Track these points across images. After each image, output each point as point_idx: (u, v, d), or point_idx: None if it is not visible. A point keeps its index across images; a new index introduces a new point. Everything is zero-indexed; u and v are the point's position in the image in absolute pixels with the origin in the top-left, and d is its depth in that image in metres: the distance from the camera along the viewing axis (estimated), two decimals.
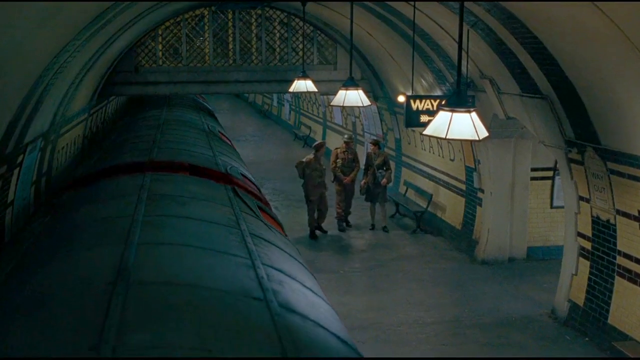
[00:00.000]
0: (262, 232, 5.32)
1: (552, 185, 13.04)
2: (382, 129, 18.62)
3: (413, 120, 11.18)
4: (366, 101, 10.80)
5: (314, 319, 3.61)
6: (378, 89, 17.27)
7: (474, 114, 6.60)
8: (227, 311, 3.31)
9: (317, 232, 14.99)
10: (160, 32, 16.89)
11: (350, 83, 10.79)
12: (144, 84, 16.96)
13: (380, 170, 15.18)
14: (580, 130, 9.14)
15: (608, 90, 8.11)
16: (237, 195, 6.46)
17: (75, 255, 4.12)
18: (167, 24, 16.97)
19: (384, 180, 15.10)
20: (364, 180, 15.39)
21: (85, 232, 4.66)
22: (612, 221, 9.10)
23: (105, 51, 12.34)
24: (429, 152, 15.54)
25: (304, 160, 14.97)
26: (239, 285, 3.69)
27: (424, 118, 10.94)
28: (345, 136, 16.27)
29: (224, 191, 6.54)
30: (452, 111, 6.54)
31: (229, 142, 13.17)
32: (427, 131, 6.77)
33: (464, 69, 10.95)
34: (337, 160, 15.49)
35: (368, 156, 15.71)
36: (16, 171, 9.24)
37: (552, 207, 13.08)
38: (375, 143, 15.72)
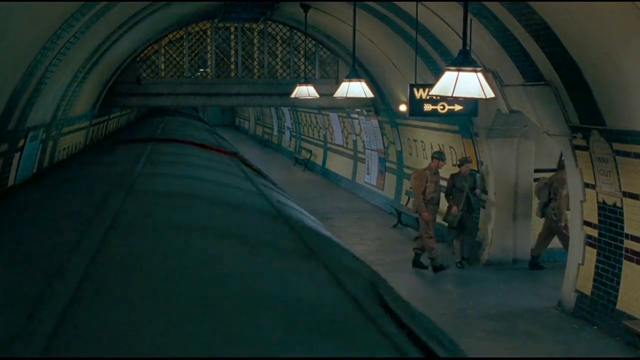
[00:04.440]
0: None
1: None
2: (384, 143, 18.61)
3: (417, 109, 11.16)
4: (369, 93, 10.82)
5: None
6: (380, 102, 17.30)
7: (480, 74, 6.57)
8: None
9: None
10: (163, 45, 17.00)
11: (353, 75, 10.83)
12: (145, 96, 16.99)
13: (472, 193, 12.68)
14: (585, 113, 9.10)
15: (612, 67, 8.09)
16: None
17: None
18: (170, 36, 17.10)
19: (477, 190, 12.73)
20: (454, 208, 12.58)
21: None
22: (618, 204, 9.00)
23: (108, 50, 12.37)
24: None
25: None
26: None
27: (427, 107, 10.92)
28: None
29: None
30: (459, 70, 6.50)
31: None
32: (434, 91, 6.73)
33: None
34: (428, 185, 12.68)
35: (456, 177, 12.80)
36: (17, 155, 9.19)
37: None
38: (466, 162, 12.83)
